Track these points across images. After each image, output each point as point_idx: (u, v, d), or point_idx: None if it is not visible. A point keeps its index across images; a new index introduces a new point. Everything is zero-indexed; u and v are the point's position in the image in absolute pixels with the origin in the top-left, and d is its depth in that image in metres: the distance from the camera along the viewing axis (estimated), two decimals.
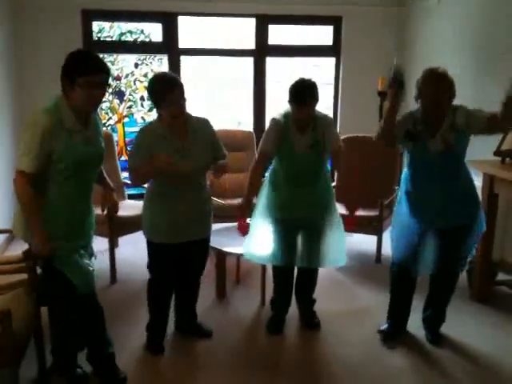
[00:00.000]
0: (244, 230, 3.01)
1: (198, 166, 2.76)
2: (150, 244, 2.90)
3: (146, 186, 2.93)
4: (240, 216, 2.99)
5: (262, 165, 3.08)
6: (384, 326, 3.21)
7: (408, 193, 2.95)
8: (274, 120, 3.01)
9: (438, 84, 2.68)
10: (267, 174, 3.19)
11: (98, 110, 2.59)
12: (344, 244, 3.20)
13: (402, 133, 2.80)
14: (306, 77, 2.93)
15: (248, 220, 3.05)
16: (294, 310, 3.38)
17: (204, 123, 2.86)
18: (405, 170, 2.99)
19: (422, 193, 2.89)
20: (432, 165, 2.79)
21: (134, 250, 4.43)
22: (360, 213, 4.42)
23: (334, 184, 3.20)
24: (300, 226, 3.10)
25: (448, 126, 2.73)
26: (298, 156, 2.96)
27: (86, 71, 2.24)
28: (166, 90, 2.60)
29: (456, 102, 2.77)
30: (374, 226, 4.34)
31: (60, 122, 2.26)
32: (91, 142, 2.40)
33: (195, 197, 2.85)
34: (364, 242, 4.69)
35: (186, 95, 2.67)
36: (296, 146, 2.95)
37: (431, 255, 3.00)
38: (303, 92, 2.85)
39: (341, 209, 4.40)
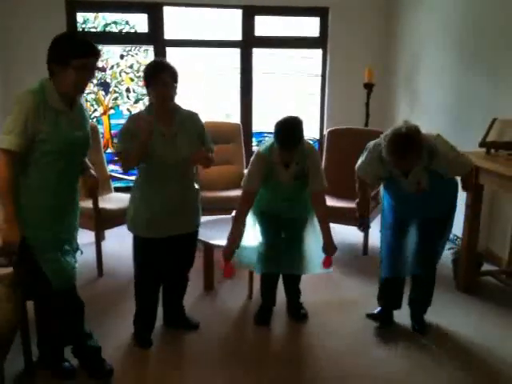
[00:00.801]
0: (229, 272, 3.01)
1: (182, 156, 2.74)
2: (134, 238, 2.89)
3: (133, 178, 2.91)
4: (225, 258, 2.98)
5: (248, 204, 3.00)
6: (372, 311, 3.27)
7: (388, 198, 3.05)
8: (258, 155, 2.96)
9: (404, 158, 2.58)
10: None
11: (83, 101, 2.57)
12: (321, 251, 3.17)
13: (372, 177, 2.96)
14: (292, 114, 2.85)
15: (232, 263, 3.03)
16: (281, 302, 3.39)
17: (193, 116, 2.87)
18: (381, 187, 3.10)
19: (401, 206, 2.99)
20: (410, 196, 2.86)
21: (120, 243, 4.41)
22: (347, 204, 4.43)
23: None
24: (282, 223, 3.10)
25: (420, 169, 2.73)
26: (282, 185, 2.97)
27: (82, 53, 2.24)
28: (156, 70, 2.66)
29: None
30: None
31: (45, 102, 2.23)
32: (77, 127, 2.38)
33: (182, 191, 2.83)
34: (351, 234, 4.71)
35: (178, 85, 2.73)
36: (280, 176, 2.94)
37: (412, 254, 3.05)
38: (289, 138, 2.78)
39: (330, 201, 4.41)
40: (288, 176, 2.95)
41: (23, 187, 2.29)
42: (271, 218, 3.10)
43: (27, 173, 2.28)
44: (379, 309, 3.26)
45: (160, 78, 2.64)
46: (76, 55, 2.23)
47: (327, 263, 3.06)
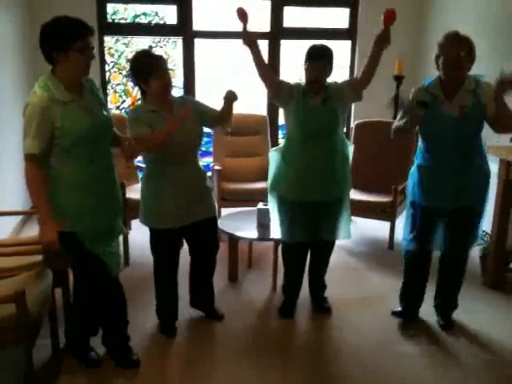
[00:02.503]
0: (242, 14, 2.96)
1: (192, 134, 2.77)
2: (151, 230, 2.93)
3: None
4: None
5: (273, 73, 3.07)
6: (397, 308, 3.21)
7: (419, 167, 2.93)
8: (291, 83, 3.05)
9: (459, 42, 2.68)
10: (279, 147, 3.16)
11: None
12: (349, 219, 3.19)
13: (414, 104, 2.80)
14: None
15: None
16: (305, 294, 3.39)
17: (185, 99, 2.89)
18: (419, 145, 2.96)
19: (433, 167, 2.86)
20: (445, 135, 2.75)
21: (146, 233, 4.44)
22: (374, 198, 4.40)
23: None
24: (313, 206, 3.04)
25: (466, 92, 2.71)
26: (311, 110, 2.94)
27: (81, 34, 2.21)
28: (153, 62, 2.65)
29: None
30: (387, 212, 4.31)
31: (53, 98, 2.21)
32: (92, 112, 2.34)
33: (191, 178, 2.84)
34: (377, 228, 4.67)
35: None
36: (309, 101, 2.94)
37: (441, 234, 2.98)
38: (320, 49, 2.91)
39: (357, 195, 4.39)
40: (317, 100, 2.94)
41: (58, 184, 2.32)
42: (298, 208, 3.05)
43: (59, 169, 2.30)
44: (402, 307, 3.23)
45: (161, 66, 2.66)
46: (75, 37, 2.18)
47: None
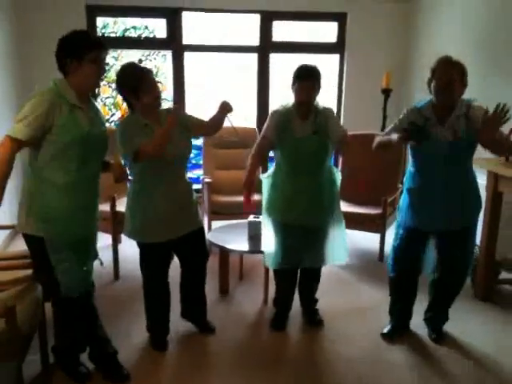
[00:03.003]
0: (248, 204, 2.97)
1: (178, 149, 2.75)
2: (143, 246, 2.90)
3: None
4: (246, 191, 2.95)
5: (262, 147, 3.06)
6: (386, 329, 3.20)
7: (410, 190, 2.94)
8: (272, 112, 3.07)
9: (452, 67, 2.68)
10: (269, 173, 3.18)
11: (101, 104, 2.59)
12: (345, 240, 3.21)
13: (405, 122, 2.79)
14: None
15: (253, 197, 3.00)
16: (297, 306, 3.38)
17: (171, 109, 2.87)
18: (408, 167, 2.99)
19: (424, 190, 2.87)
20: (437, 159, 2.77)
21: (136, 246, 4.43)
22: (363, 210, 4.42)
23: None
24: (302, 230, 3.06)
25: (458, 116, 2.72)
26: (299, 141, 2.94)
27: (95, 45, 2.29)
28: (141, 75, 2.65)
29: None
30: (376, 224, 4.33)
31: (63, 97, 2.26)
32: (94, 123, 2.40)
33: (178, 191, 2.84)
34: (367, 240, 4.69)
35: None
36: (297, 131, 2.95)
37: (432, 257, 3.01)
38: (307, 69, 2.92)
39: (345, 207, 4.41)
40: (305, 131, 2.95)
41: (43, 184, 2.31)
42: (288, 230, 3.07)
43: (48, 169, 2.30)
44: (391, 323, 3.22)
45: (150, 79, 2.67)
46: (90, 48, 2.27)
47: None
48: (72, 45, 2.28)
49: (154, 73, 2.82)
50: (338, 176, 3.16)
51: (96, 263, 2.66)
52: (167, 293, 3.02)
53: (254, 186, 2.98)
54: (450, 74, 2.66)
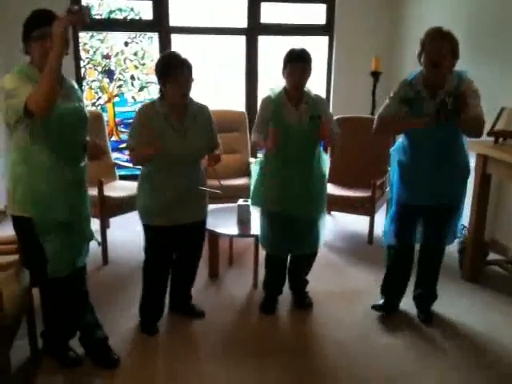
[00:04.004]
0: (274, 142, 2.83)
1: (194, 149, 2.76)
2: (144, 226, 2.89)
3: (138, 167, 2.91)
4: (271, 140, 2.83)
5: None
6: (378, 302, 3.23)
7: (400, 163, 2.94)
8: (264, 98, 3.04)
9: (441, 38, 2.65)
10: (259, 159, 3.17)
11: (87, 87, 2.53)
12: (324, 227, 3.22)
13: (398, 99, 2.79)
14: None
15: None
16: (286, 290, 3.39)
17: (204, 109, 2.86)
18: (399, 139, 2.98)
19: (413, 163, 2.87)
20: (427, 133, 2.74)
21: (125, 231, 4.41)
22: (351, 193, 4.42)
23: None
24: (291, 218, 3.05)
25: (448, 92, 2.68)
26: (290, 128, 2.91)
27: (37, 24, 2.22)
28: (176, 66, 2.61)
29: None
30: (366, 207, 4.33)
31: (28, 77, 2.20)
32: (69, 99, 2.34)
33: (190, 180, 2.82)
34: (356, 223, 4.70)
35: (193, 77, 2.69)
36: (287, 117, 2.93)
37: (420, 229, 3.03)
38: (299, 52, 2.89)
39: (334, 189, 4.42)
40: (296, 117, 2.92)
41: (25, 165, 2.28)
42: (277, 220, 3.07)
43: (28, 151, 2.26)
44: (383, 300, 3.25)
45: (181, 74, 2.61)
46: (33, 25, 2.22)
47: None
48: (25, 25, 2.26)
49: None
50: (327, 162, 3.14)
51: (93, 244, 2.64)
52: (165, 278, 3.02)
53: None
54: (438, 47, 2.63)
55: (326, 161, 3.14)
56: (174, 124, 2.71)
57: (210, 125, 2.88)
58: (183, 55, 2.67)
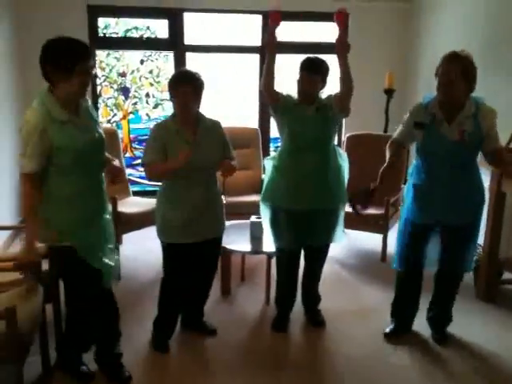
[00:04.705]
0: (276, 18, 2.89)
1: (207, 161, 2.77)
2: (164, 244, 2.90)
3: (158, 183, 2.93)
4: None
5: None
6: (389, 328, 3.19)
7: (415, 186, 2.92)
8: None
9: (453, 64, 2.63)
10: (273, 155, 3.18)
11: (103, 105, 2.58)
12: (342, 221, 3.21)
13: (412, 124, 2.81)
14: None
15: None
16: (298, 308, 3.37)
17: (215, 124, 2.90)
18: (414, 161, 2.97)
19: (429, 186, 2.85)
20: (442, 157, 2.75)
21: (138, 247, 4.43)
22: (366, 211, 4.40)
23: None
24: (307, 214, 3.04)
25: (466, 116, 2.69)
26: (304, 119, 2.95)
27: (83, 56, 2.21)
28: (178, 82, 2.70)
29: None
30: (379, 225, 4.31)
31: (51, 117, 2.21)
32: (87, 131, 2.36)
33: (206, 196, 2.84)
34: (369, 241, 4.67)
35: (201, 94, 2.77)
36: (301, 112, 2.97)
37: (435, 252, 2.99)
38: (313, 62, 2.94)
39: (346, 206, 4.39)
40: (309, 110, 2.97)
41: (53, 198, 2.32)
42: (292, 217, 3.04)
43: (54, 184, 2.31)
44: (394, 324, 3.20)
45: (181, 90, 2.67)
46: (79, 59, 2.19)
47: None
48: (60, 56, 2.18)
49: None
50: (345, 159, 3.16)
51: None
52: (182, 296, 3.02)
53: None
54: (448, 71, 2.64)
55: (344, 154, 3.16)
56: (187, 138, 2.75)
57: (223, 138, 2.91)
58: (193, 71, 2.75)
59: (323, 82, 2.96)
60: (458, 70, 2.62)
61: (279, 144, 3.16)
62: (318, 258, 3.27)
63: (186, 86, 2.67)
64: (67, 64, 2.17)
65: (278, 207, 3.09)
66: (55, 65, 2.19)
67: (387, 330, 3.18)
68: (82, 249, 2.37)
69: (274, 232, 3.16)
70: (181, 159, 2.63)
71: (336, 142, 3.17)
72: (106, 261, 2.46)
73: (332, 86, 3.05)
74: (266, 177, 3.19)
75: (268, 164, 3.18)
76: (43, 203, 2.31)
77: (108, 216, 2.58)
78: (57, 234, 2.34)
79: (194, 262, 2.95)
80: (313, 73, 2.91)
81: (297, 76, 2.97)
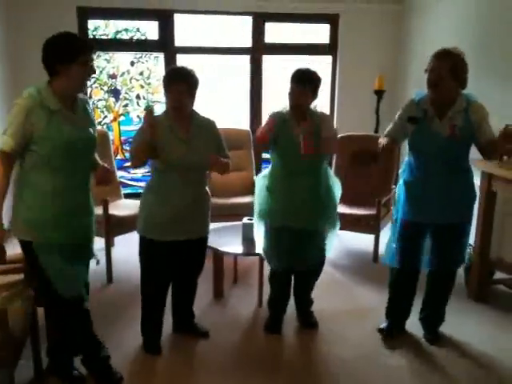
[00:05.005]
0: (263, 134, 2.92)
1: (198, 158, 2.75)
2: (141, 239, 2.88)
3: (143, 184, 2.92)
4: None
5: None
6: (383, 325, 3.20)
7: (406, 182, 2.94)
8: (272, 112, 3.05)
9: (439, 60, 2.66)
10: (264, 173, 3.17)
11: (93, 107, 2.57)
12: (334, 237, 3.21)
13: (405, 118, 2.83)
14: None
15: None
16: (291, 309, 3.36)
17: (209, 123, 2.90)
18: (406, 158, 2.98)
19: (420, 183, 2.86)
20: (434, 153, 2.77)
21: (129, 249, 4.38)
22: (357, 211, 4.42)
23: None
24: (296, 233, 3.04)
25: (457, 112, 2.71)
26: (296, 144, 2.91)
27: (85, 48, 2.28)
28: (171, 79, 2.70)
29: None
30: (371, 225, 4.33)
31: (42, 104, 2.23)
32: (79, 126, 2.35)
33: (193, 194, 2.83)
34: (361, 241, 4.68)
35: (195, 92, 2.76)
36: (294, 134, 2.93)
37: (428, 251, 3.00)
38: (303, 73, 2.91)
39: (340, 208, 4.39)
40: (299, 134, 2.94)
41: (30, 188, 2.30)
42: (283, 234, 3.04)
43: (34, 174, 2.29)
44: (388, 322, 3.21)
45: (174, 87, 2.67)
46: (80, 50, 2.25)
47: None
48: (62, 47, 2.25)
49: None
50: (337, 182, 3.15)
51: (92, 263, 2.63)
52: (164, 294, 2.99)
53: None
54: (437, 70, 2.66)
55: (335, 179, 3.15)
56: (179, 134, 2.74)
57: (217, 137, 2.90)
58: (188, 68, 2.75)
59: (314, 94, 2.94)
60: (446, 67, 2.64)
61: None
62: (307, 278, 3.28)
63: (180, 84, 2.67)
64: (68, 55, 2.24)
65: (269, 224, 3.09)
66: (58, 55, 2.24)
67: (381, 326, 3.18)
68: (41, 248, 2.33)
69: (267, 250, 3.16)
70: (145, 125, 2.62)
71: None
72: (68, 268, 2.39)
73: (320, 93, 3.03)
74: (257, 195, 3.18)
75: (259, 182, 3.17)
76: (21, 195, 2.30)
77: (90, 218, 2.54)
78: (22, 227, 2.32)
79: (177, 262, 2.93)
80: (299, 84, 2.88)
81: (288, 88, 2.94)
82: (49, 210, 2.32)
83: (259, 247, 3.25)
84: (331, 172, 3.16)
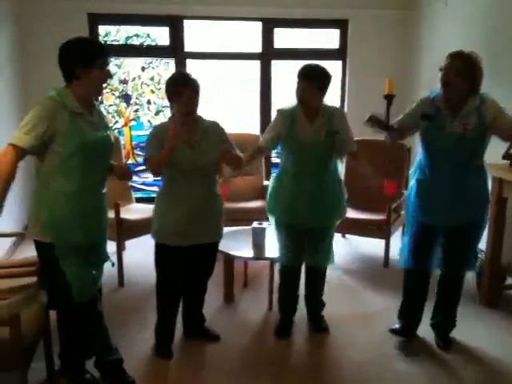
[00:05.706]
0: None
1: (206, 161, 2.77)
2: (157, 246, 2.90)
3: (154, 189, 2.94)
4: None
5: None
6: (396, 326, 3.19)
7: (418, 181, 2.93)
8: (279, 109, 3.06)
9: (452, 60, 2.68)
10: (275, 174, 3.20)
11: (104, 112, 2.61)
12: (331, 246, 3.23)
13: (418, 114, 2.84)
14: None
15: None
16: (302, 314, 3.37)
17: (214, 124, 2.91)
18: (417, 158, 2.98)
19: (432, 182, 2.86)
20: (446, 151, 2.76)
21: (141, 253, 4.43)
22: (367, 216, 4.41)
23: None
24: (306, 230, 3.07)
25: (468, 112, 2.71)
26: (304, 146, 2.93)
27: (104, 52, 2.34)
28: (178, 85, 2.70)
29: None
30: (381, 230, 4.32)
31: (64, 106, 2.27)
32: (98, 129, 2.40)
33: (205, 199, 2.84)
34: (372, 246, 4.67)
35: (200, 96, 2.77)
36: (302, 135, 2.94)
37: (439, 252, 2.99)
38: (311, 69, 2.89)
39: (350, 213, 4.39)
40: (313, 132, 2.93)
41: (51, 191, 2.32)
42: (291, 230, 3.07)
43: (55, 177, 2.31)
44: (401, 324, 3.20)
45: (182, 93, 2.68)
46: (99, 54, 2.30)
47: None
48: (82, 51, 2.29)
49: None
50: (341, 169, 3.17)
51: (107, 265, 2.65)
52: (178, 299, 3.02)
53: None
54: (448, 70, 2.68)
55: (340, 166, 3.16)
56: (186, 139, 2.75)
57: (223, 137, 2.91)
58: (188, 73, 2.78)
59: (322, 91, 2.92)
60: (457, 67, 2.66)
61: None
62: (316, 274, 3.28)
63: (187, 89, 2.69)
64: (88, 59, 2.28)
65: (280, 220, 3.11)
66: (77, 60, 2.28)
67: (394, 327, 3.17)
68: (59, 249, 2.35)
69: (279, 245, 3.18)
70: (170, 138, 2.63)
71: None
72: (82, 271, 2.41)
73: (328, 96, 3.02)
74: (268, 193, 3.20)
75: (272, 178, 3.22)
76: (40, 197, 2.33)
77: (106, 220, 2.59)
78: (42, 229, 2.33)
79: (187, 267, 2.95)
80: (306, 80, 2.87)
81: (295, 85, 2.94)
82: (70, 211, 2.35)
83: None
84: (337, 165, 3.14)
